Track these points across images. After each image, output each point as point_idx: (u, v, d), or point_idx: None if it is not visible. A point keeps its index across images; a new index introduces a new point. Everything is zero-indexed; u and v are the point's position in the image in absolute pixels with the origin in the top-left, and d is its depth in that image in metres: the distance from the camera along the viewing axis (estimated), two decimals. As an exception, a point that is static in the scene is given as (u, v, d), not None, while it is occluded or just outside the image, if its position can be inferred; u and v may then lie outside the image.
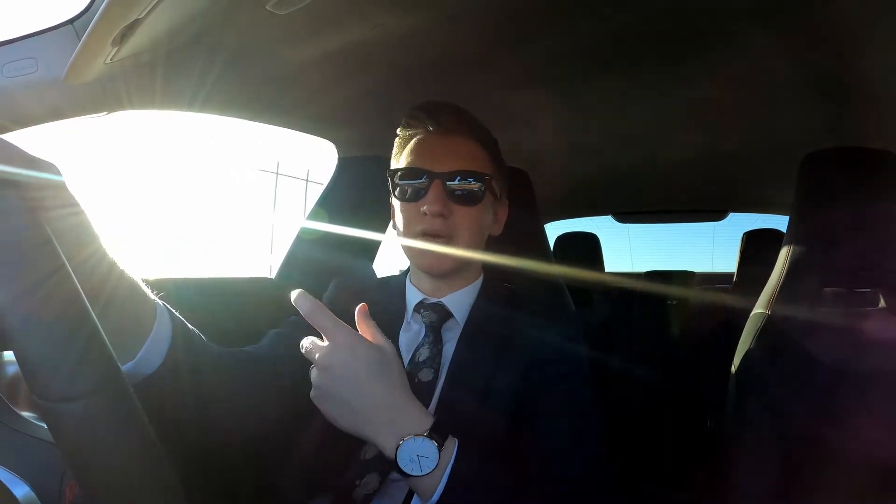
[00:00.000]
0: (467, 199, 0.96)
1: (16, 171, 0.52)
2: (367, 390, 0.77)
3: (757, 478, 1.06)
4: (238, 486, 1.09)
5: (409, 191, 0.97)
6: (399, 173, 0.99)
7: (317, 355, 0.78)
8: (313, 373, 0.79)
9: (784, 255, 1.16)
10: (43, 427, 0.83)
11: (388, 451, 0.75)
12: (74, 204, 0.62)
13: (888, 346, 1.06)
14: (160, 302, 0.76)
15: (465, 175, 0.96)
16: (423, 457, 0.74)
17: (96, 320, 0.53)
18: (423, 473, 0.74)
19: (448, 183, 0.95)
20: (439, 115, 0.99)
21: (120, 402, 0.53)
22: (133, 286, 0.71)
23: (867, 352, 1.07)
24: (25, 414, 0.86)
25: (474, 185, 0.96)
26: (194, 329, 0.83)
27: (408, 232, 0.97)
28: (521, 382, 0.92)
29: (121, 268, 0.69)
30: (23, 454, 0.81)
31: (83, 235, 0.64)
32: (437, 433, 0.76)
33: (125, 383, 0.54)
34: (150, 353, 0.72)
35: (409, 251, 0.99)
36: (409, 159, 0.99)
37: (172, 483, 0.57)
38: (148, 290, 0.74)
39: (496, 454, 0.85)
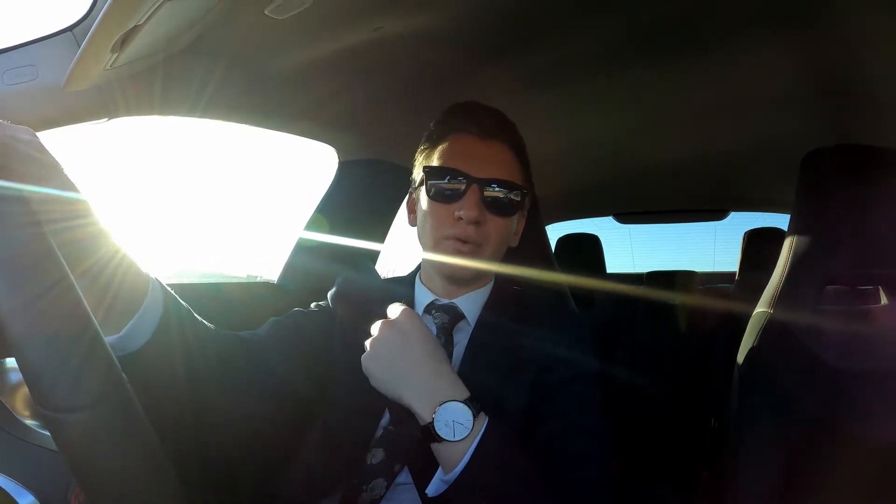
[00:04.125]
0: (503, 208, 0.94)
1: (26, 188, 0.53)
2: (408, 352, 0.82)
3: (760, 476, 1.06)
4: (241, 490, 1.09)
5: (444, 192, 0.94)
6: (434, 171, 0.96)
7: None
8: (367, 345, 0.85)
9: (786, 253, 1.16)
10: (47, 435, 0.83)
11: (426, 413, 0.77)
12: (79, 200, 0.62)
13: (891, 343, 1.06)
14: (154, 277, 0.74)
15: (503, 184, 0.94)
16: (458, 423, 0.76)
17: (99, 329, 0.53)
18: (455, 439, 0.76)
19: (485, 190, 0.93)
20: (483, 118, 0.97)
21: (124, 412, 0.53)
22: (130, 265, 0.70)
23: (870, 349, 1.07)
24: (29, 422, 0.86)
25: (512, 196, 0.95)
26: (186, 305, 0.81)
27: (436, 233, 0.95)
28: (532, 383, 0.92)
29: (118, 247, 0.68)
30: (27, 463, 0.81)
31: (93, 240, 0.64)
32: (473, 403, 0.79)
33: (129, 393, 0.54)
34: (138, 328, 0.71)
35: (434, 253, 0.96)
36: (445, 158, 0.96)
37: (177, 492, 0.57)
38: (141, 267, 0.72)
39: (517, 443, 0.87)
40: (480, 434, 0.77)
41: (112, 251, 0.67)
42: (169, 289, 0.77)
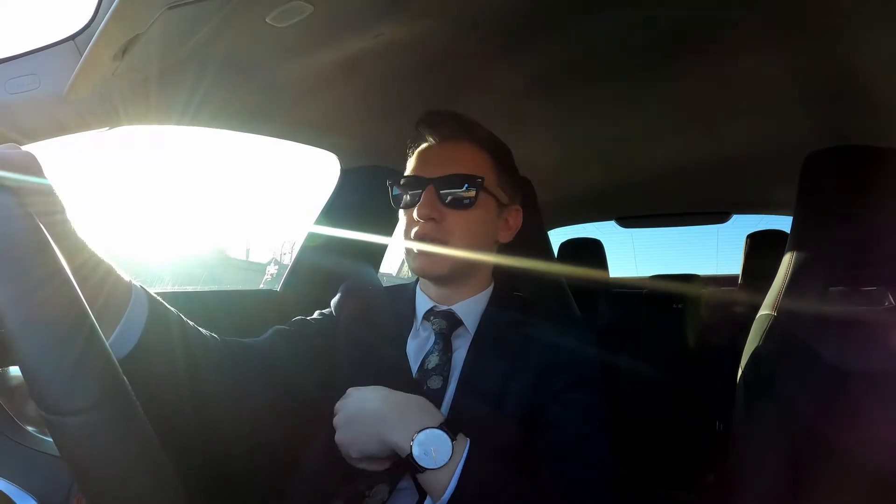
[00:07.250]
0: (459, 202, 0.96)
1: (9, 176, 0.53)
2: (376, 395, 0.85)
3: (766, 479, 1.05)
4: (246, 493, 1.09)
5: (406, 198, 1.00)
6: (399, 184, 1.01)
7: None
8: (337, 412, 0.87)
9: (788, 255, 1.16)
10: (49, 441, 0.83)
11: (403, 444, 0.76)
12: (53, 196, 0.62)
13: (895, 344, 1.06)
14: (137, 284, 0.75)
15: (456, 179, 0.96)
16: (437, 449, 0.76)
17: (96, 324, 0.53)
18: (436, 466, 0.75)
19: (441, 189, 0.96)
20: (437, 125, 1.01)
21: (123, 413, 0.53)
22: (108, 272, 0.71)
23: (874, 351, 1.06)
24: (30, 428, 0.86)
25: (466, 189, 0.96)
26: (175, 311, 0.81)
27: (405, 237, 0.99)
28: (532, 389, 0.91)
29: (98, 257, 0.69)
30: (29, 468, 0.81)
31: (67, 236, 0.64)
32: (449, 427, 0.78)
33: (129, 393, 0.54)
34: (123, 336, 0.72)
35: (406, 255, 1.01)
36: (409, 170, 1.02)
37: (178, 494, 0.57)
38: (123, 275, 0.73)
39: (508, 458, 0.85)
40: (463, 458, 0.76)
41: (89, 256, 0.67)
42: (155, 295, 0.78)
